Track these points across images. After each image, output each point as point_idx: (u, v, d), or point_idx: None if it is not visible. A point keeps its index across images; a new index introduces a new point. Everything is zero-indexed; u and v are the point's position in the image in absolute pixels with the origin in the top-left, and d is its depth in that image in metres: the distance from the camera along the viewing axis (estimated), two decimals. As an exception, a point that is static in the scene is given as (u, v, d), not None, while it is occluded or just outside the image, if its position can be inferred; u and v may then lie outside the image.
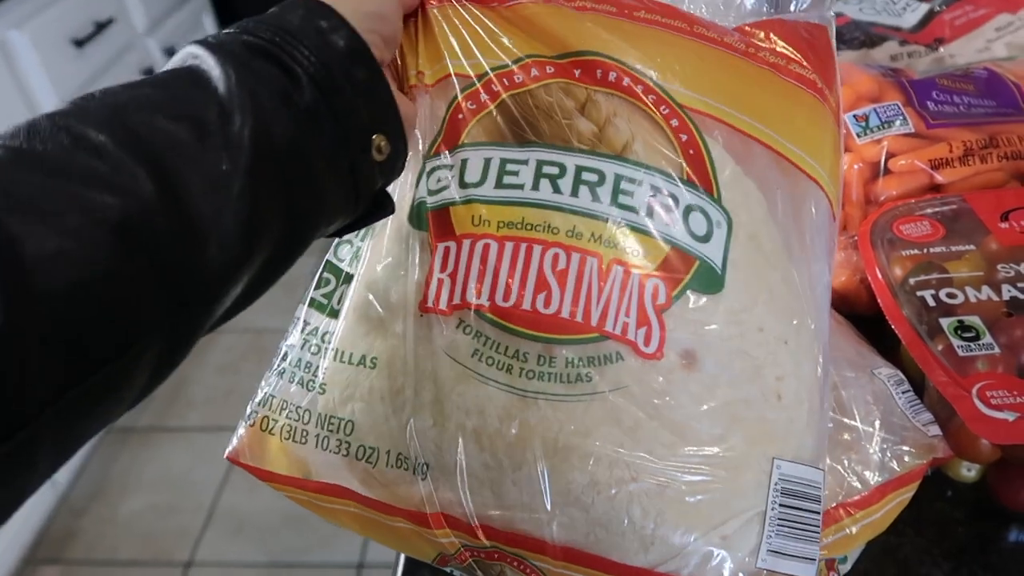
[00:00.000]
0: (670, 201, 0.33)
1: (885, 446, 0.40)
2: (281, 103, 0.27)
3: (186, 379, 1.97)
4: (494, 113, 0.35)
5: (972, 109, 0.54)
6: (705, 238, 0.33)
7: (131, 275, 0.22)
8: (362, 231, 0.38)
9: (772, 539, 0.31)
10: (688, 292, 0.32)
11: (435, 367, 0.33)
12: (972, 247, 0.46)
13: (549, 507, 0.31)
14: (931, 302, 0.43)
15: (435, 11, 0.37)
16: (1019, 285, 0.43)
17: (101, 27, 1.61)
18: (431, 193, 0.35)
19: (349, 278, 0.37)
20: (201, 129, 0.25)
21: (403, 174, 0.34)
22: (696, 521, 0.31)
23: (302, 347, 0.37)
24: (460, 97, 0.36)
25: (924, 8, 0.84)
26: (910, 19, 0.83)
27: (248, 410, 0.37)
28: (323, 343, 0.37)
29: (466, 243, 0.33)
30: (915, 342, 0.40)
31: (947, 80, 0.56)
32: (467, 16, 0.37)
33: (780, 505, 0.32)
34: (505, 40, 0.36)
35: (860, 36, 0.79)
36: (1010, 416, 0.36)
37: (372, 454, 0.34)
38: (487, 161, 0.35)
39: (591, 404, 0.31)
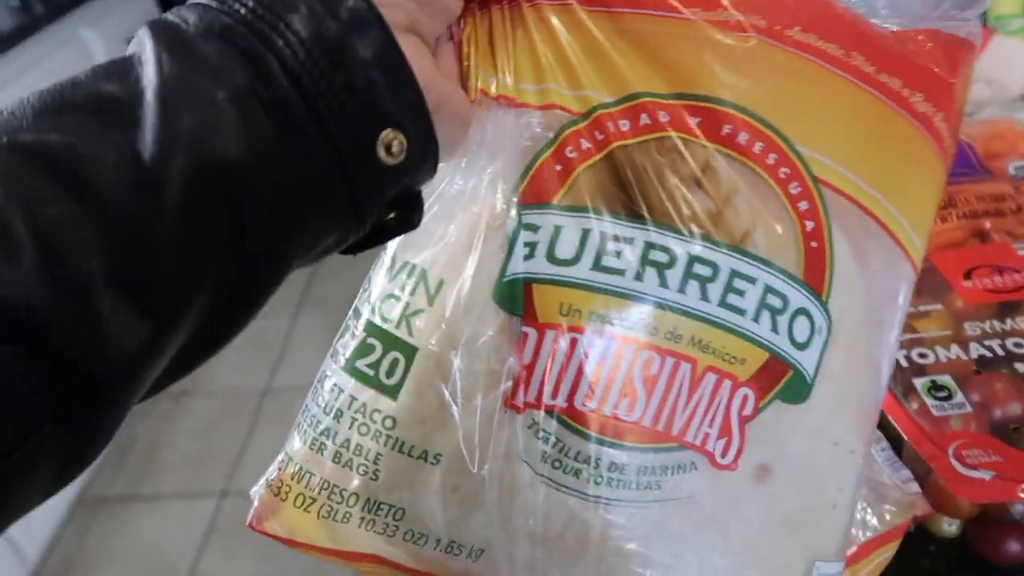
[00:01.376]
0: (779, 303, 0.30)
1: (866, 504, 0.40)
2: (231, 99, 0.21)
3: (159, 444, 1.94)
4: (599, 168, 0.30)
5: (930, 171, 0.57)
6: (805, 345, 0.30)
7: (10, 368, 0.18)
8: (411, 285, 0.31)
9: None
10: (775, 402, 0.30)
11: (503, 469, 0.29)
12: (939, 306, 0.48)
13: None
14: (904, 362, 0.45)
15: (530, 9, 0.30)
16: (985, 343, 0.45)
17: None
18: (519, 260, 0.30)
19: (404, 347, 0.30)
20: (105, 142, 0.19)
21: (495, 225, 0.28)
22: None
23: (349, 426, 0.31)
24: (560, 137, 0.30)
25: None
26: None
27: (271, 475, 0.33)
28: (373, 423, 0.31)
29: (549, 335, 0.29)
30: (891, 402, 0.42)
31: (904, 143, 0.58)
32: (573, 24, 0.30)
33: None
34: (621, 65, 0.30)
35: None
36: (986, 475, 0.38)
37: (421, 539, 0.31)
38: (585, 233, 0.29)
39: (656, 510, 0.29)
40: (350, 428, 0.31)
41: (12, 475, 0.19)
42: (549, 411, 0.29)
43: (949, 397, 0.42)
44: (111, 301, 0.19)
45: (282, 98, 0.22)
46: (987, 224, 0.55)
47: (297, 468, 0.32)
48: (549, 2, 0.30)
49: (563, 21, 0.30)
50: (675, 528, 0.29)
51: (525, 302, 0.29)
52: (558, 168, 0.30)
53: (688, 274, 0.29)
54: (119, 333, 0.19)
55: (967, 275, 0.50)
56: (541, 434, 0.29)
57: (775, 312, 0.29)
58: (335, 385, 0.32)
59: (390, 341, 0.31)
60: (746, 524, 0.30)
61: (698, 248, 0.29)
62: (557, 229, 0.29)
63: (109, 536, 1.72)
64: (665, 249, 0.29)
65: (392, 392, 0.30)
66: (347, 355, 0.32)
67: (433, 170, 0.27)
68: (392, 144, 0.24)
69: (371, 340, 0.31)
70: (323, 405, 0.32)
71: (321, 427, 0.32)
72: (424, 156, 0.26)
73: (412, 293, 0.31)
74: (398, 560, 0.32)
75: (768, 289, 0.29)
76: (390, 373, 0.31)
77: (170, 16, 0.23)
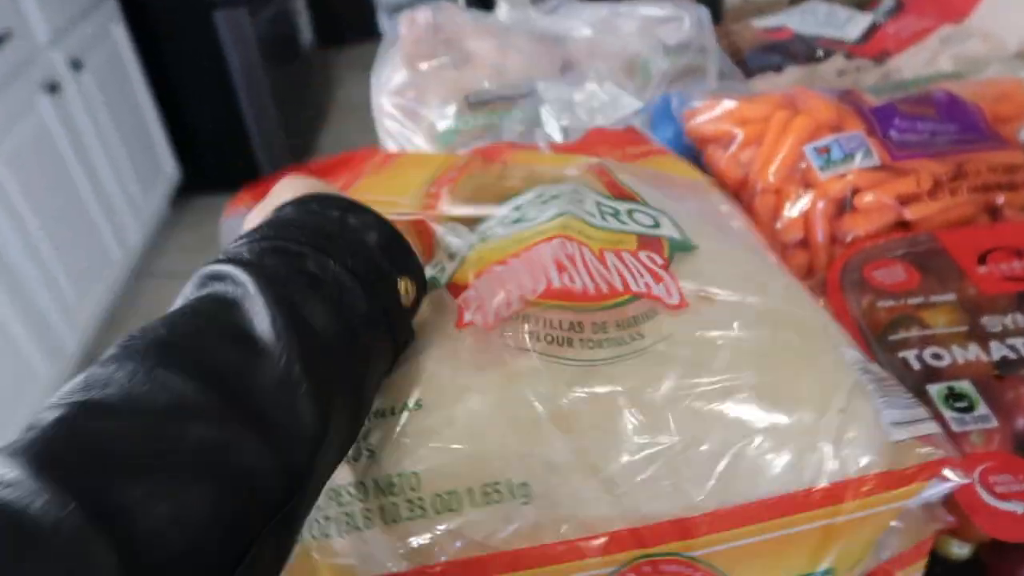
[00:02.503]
0: (610, 211, 0.39)
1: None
2: (318, 303, 0.28)
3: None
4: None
5: (936, 137, 0.51)
6: (655, 225, 0.38)
7: (235, 518, 0.22)
8: None
9: (885, 411, 0.31)
10: (675, 255, 0.36)
11: (502, 399, 0.31)
12: (951, 295, 0.42)
13: (665, 463, 0.30)
14: (915, 364, 0.39)
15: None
16: (1008, 342, 0.39)
17: (-5, 39, 1.48)
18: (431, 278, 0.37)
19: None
20: (254, 350, 0.26)
21: None
22: (806, 403, 0.31)
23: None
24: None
25: (866, 20, 0.81)
26: (853, 31, 0.80)
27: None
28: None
29: (483, 276, 0.35)
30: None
31: (908, 106, 0.52)
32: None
33: (869, 379, 0.32)
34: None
35: (804, 50, 0.76)
36: (1019, 508, 0.32)
37: (496, 487, 0.29)
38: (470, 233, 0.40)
39: (657, 357, 0.32)
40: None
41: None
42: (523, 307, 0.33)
43: (970, 408, 0.36)
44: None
45: (368, 312, 0.30)
46: (1000, 199, 0.49)
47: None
48: None
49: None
50: (681, 364, 0.31)
51: (456, 287, 0.36)
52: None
53: (539, 203, 0.40)
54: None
55: (982, 259, 0.44)
56: (528, 327, 0.32)
57: (615, 215, 0.39)
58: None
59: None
60: (736, 340, 0.33)
61: (530, 196, 0.41)
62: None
63: (53, 509, 1.64)
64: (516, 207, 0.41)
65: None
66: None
67: (421, 301, 0.35)
68: (408, 289, 0.32)
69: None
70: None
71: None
72: (421, 291, 0.34)
73: None
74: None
75: (597, 203, 0.39)
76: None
77: (240, 254, 0.30)
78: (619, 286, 0.34)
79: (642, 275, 0.35)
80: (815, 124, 0.50)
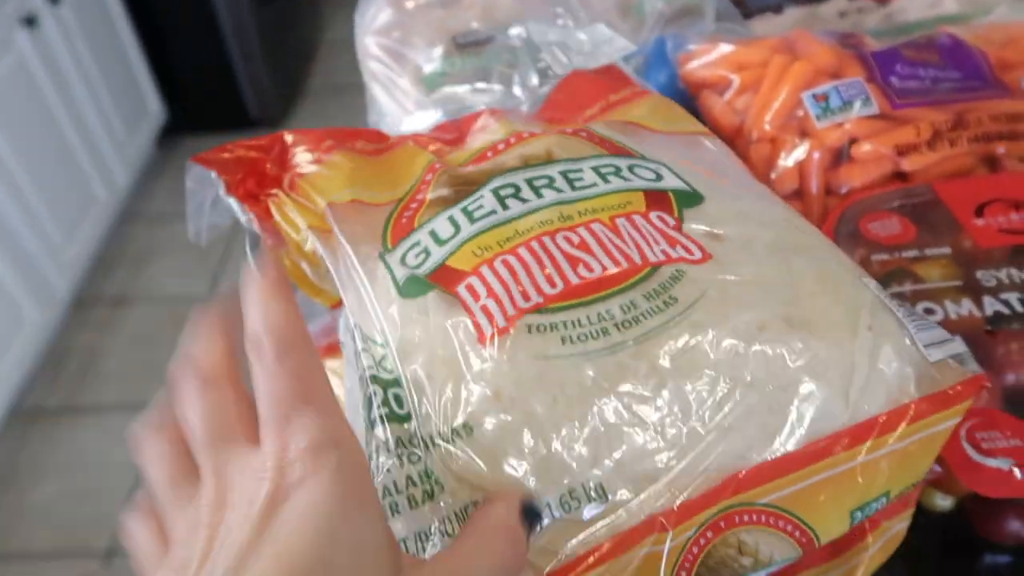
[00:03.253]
0: (611, 170, 0.37)
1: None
2: None
3: (97, 353, 1.85)
4: (431, 197, 0.37)
5: (938, 84, 0.49)
6: (658, 178, 0.37)
7: None
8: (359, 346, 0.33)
9: (917, 334, 0.32)
10: (684, 211, 0.35)
11: (538, 374, 0.30)
12: (946, 248, 0.41)
13: (724, 414, 0.29)
14: (906, 319, 0.38)
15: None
16: (1002, 296, 0.39)
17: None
18: (414, 267, 0.34)
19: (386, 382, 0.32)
20: None
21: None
22: (836, 324, 0.31)
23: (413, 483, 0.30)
24: (396, 212, 0.37)
25: (872, -43, 0.78)
26: (857, -31, 0.77)
27: None
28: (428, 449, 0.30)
29: (483, 269, 0.33)
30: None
31: (911, 51, 0.50)
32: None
33: (888, 301, 0.33)
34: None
35: (806, -11, 0.73)
36: (1005, 464, 0.32)
37: (573, 494, 0.28)
38: (451, 217, 0.35)
39: (694, 313, 0.31)
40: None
41: None
42: (535, 310, 0.31)
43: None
44: None
45: None
46: (1000, 148, 0.47)
47: None
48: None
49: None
50: (715, 313, 0.31)
51: (448, 274, 0.33)
52: (403, 220, 0.37)
53: (533, 186, 0.36)
54: None
55: (979, 211, 0.43)
56: (541, 328, 0.31)
57: (614, 172, 0.37)
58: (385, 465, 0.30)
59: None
60: (756, 270, 0.33)
61: (525, 173, 0.37)
62: (431, 232, 0.35)
63: (47, 449, 1.66)
64: (507, 184, 0.37)
65: (406, 418, 0.31)
66: (385, 430, 0.31)
67: None
68: None
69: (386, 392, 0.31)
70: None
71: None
72: None
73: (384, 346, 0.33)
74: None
75: (595, 168, 0.37)
76: (399, 402, 0.31)
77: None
78: (637, 259, 0.33)
79: (657, 242, 0.34)
80: (813, 70, 0.48)
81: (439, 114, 0.53)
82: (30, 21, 1.60)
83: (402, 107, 0.55)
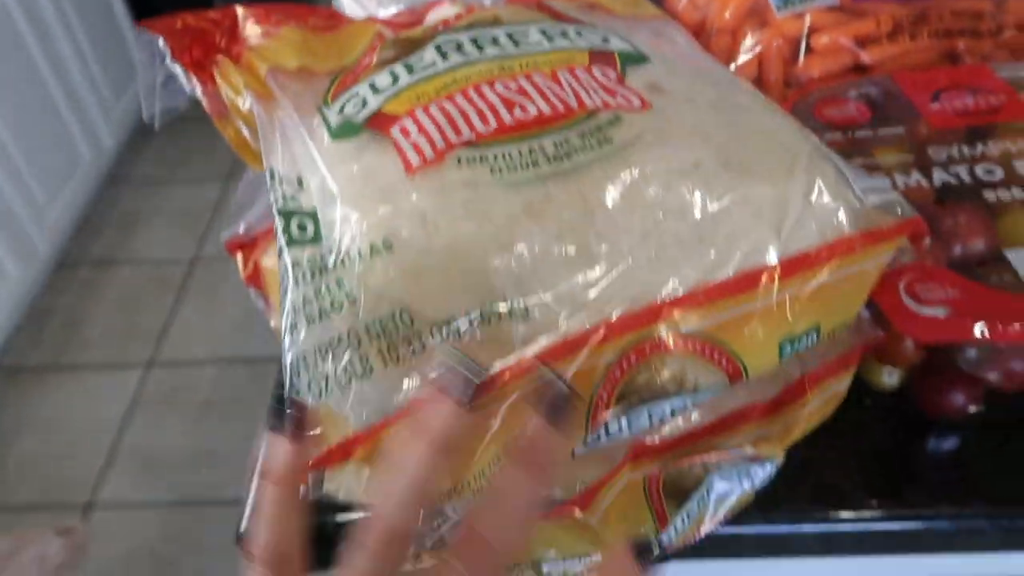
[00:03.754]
0: (558, 32, 0.38)
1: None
2: None
3: (80, 314, 1.84)
4: (376, 60, 0.37)
5: (902, -20, 0.49)
6: (605, 41, 0.37)
7: None
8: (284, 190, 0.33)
9: (853, 180, 0.32)
10: (628, 68, 0.35)
11: (467, 203, 0.30)
12: (900, 129, 0.41)
13: (651, 243, 0.29)
14: (855, 190, 0.38)
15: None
16: (951, 169, 0.38)
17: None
18: (351, 116, 0.34)
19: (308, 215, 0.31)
20: None
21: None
22: (772, 169, 0.31)
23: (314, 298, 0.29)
24: (340, 76, 0.37)
25: None
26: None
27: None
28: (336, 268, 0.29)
29: (418, 112, 0.33)
30: (837, 234, 0.35)
31: (876, -53, 0.50)
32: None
33: (830, 153, 0.33)
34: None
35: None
36: (940, 312, 0.32)
37: (449, 326, 0.28)
38: (392, 71, 0.35)
39: (628, 151, 0.31)
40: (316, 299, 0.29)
41: None
42: (466, 145, 0.31)
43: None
44: None
45: None
46: (960, 45, 0.47)
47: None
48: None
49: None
50: (653, 150, 0.31)
51: (383, 118, 0.33)
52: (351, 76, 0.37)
53: (476, 43, 0.36)
54: None
55: (935, 97, 0.42)
56: (471, 161, 0.31)
57: (564, 35, 0.37)
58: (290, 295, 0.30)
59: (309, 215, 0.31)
60: (695, 118, 0.33)
61: (469, 33, 0.37)
62: (371, 84, 0.35)
63: (27, 407, 1.65)
64: (450, 40, 0.37)
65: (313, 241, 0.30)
66: (288, 254, 0.30)
67: None
68: None
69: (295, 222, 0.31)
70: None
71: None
72: None
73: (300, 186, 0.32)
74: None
75: (541, 31, 0.37)
76: (303, 228, 0.31)
77: None
78: (574, 104, 0.33)
79: (597, 92, 0.34)
80: (775, -39, 0.48)
81: (401, 7, 0.52)
82: (13, -27, 1.59)
83: (363, 6, 0.55)
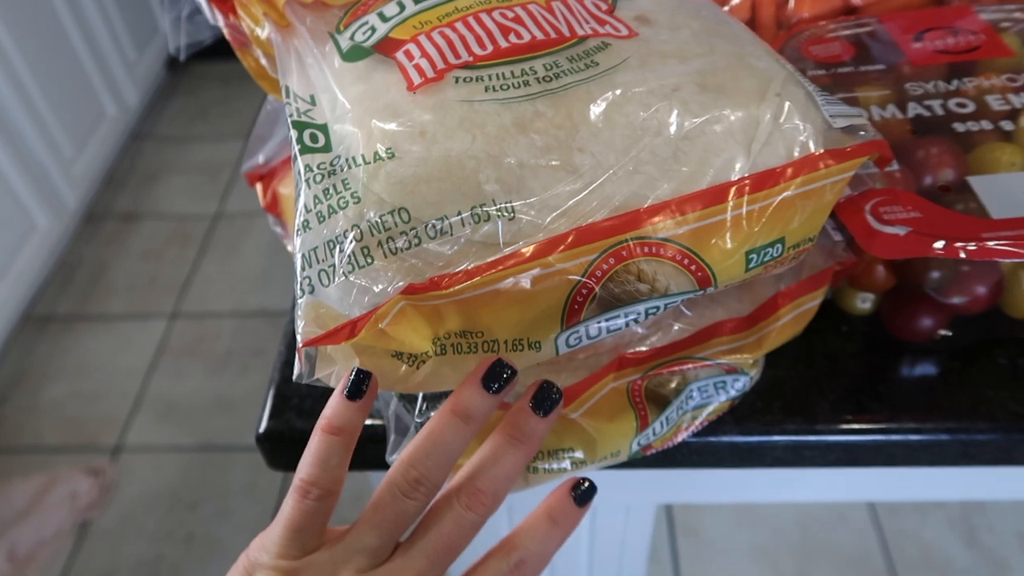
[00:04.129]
0: None
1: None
2: None
3: (106, 265, 1.89)
4: None
5: (896, -74, 0.50)
6: None
7: None
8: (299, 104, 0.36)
9: (825, 106, 0.34)
10: (619, 1, 0.38)
11: (462, 117, 0.32)
12: (881, 66, 0.43)
13: (629, 157, 0.32)
14: (833, 122, 0.40)
15: None
16: (925, 103, 0.40)
17: None
18: (360, 42, 0.36)
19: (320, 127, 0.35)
20: None
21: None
22: (745, 93, 0.33)
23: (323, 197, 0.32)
24: (353, 7, 0.39)
25: None
26: None
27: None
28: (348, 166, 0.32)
29: (420, 38, 0.35)
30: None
31: None
32: None
33: (805, 82, 0.35)
34: None
35: None
36: (901, 231, 0.34)
37: (443, 223, 0.31)
38: (399, 2, 0.38)
39: (613, 74, 0.33)
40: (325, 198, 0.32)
41: None
42: (463, 66, 0.34)
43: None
44: None
45: None
46: (951, -12, 0.49)
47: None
48: None
49: None
50: (634, 74, 0.34)
51: (389, 43, 0.36)
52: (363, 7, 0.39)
53: None
54: None
55: (918, 37, 0.44)
56: (468, 79, 0.33)
57: None
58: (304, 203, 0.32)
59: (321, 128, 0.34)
60: (677, 44, 0.35)
61: None
62: (379, 12, 0.37)
63: (56, 354, 1.71)
64: None
65: (323, 149, 0.33)
66: (301, 161, 0.33)
67: None
68: None
69: (307, 134, 0.34)
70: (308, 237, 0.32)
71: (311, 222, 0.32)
72: None
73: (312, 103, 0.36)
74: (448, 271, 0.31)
75: None
76: (315, 139, 0.34)
77: None
78: (566, 31, 0.35)
79: (588, 21, 0.36)
80: (771, -93, 0.49)
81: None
82: (40, -71, 1.61)
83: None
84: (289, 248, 0.49)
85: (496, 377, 0.30)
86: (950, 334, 0.42)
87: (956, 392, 0.41)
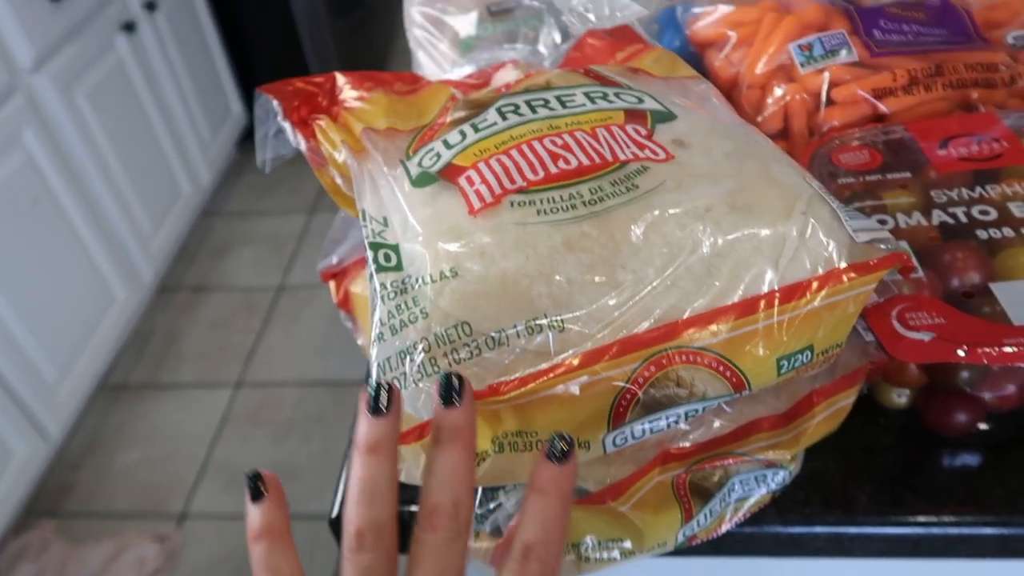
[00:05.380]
0: (599, 95, 0.44)
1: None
2: None
3: (177, 335, 1.98)
4: (450, 119, 0.44)
5: (920, 37, 0.54)
6: (640, 102, 0.43)
7: None
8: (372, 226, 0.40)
9: (849, 221, 0.37)
10: (657, 125, 0.42)
11: (517, 239, 0.36)
12: (907, 173, 0.46)
13: (667, 274, 0.35)
14: (862, 229, 0.43)
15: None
16: (950, 210, 0.43)
17: (77, -20, 1.58)
18: (427, 167, 0.41)
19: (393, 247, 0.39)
20: None
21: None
22: (773, 211, 0.36)
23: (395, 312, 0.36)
24: (420, 133, 0.44)
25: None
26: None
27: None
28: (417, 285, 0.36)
29: (480, 165, 0.39)
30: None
31: (896, 8, 0.55)
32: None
33: (829, 199, 0.38)
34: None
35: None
36: (925, 336, 0.37)
37: (500, 335, 0.34)
38: (461, 130, 0.43)
39: (651, 196, 0.37)
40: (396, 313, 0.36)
41: None
42: (518, 191, 0.38)
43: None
44: None
45: None
46: (974, 95, 0.52)
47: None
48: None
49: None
50: (671, 196, 0.37)
51: (452, 170, 0.40)
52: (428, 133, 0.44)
53: (530, 105, 0.43)
54: None
55: (943, 144, 0.47)
56: (522, 204, 0.37)
57: (604, 97, 0.44)
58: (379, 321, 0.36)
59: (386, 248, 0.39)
60: (709, 166, 0.39)
61: (524, 96, 0.44)
62: (443, 140, 0.42)
63: (129, 421, 1.79)
64: (508, 104, 0.44)
65: (396, 268, 0.38)
66: (378, 280, 0.37)
67: None
68: None
69: (381, 254, 0.38)
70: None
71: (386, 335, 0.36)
72: None
73: (384, 226, 0.40)
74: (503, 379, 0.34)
75: (586, 94, 0.44)
76: (388, 258, 0.38)
77: None
78: (609, 156, 0.39)
79: (628, 145, 0.40)
80: (801, 24, 0.53)
81: (472, 69, 0.60)
82: (129, 26, 1.76)
83: (441, 68, 0.63)
84: (359, 342, 0.54)
85: (376, 401, 0.29)
86: (987, 427, 0.43)
87: (994, 485, 0.43)
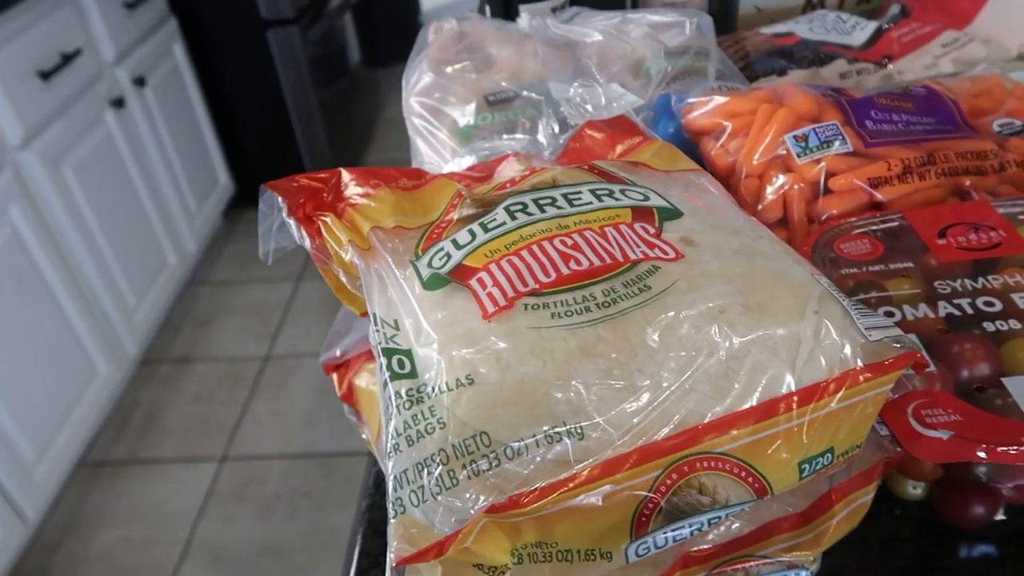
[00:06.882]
0: (605, 192, 0.45)
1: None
2: None
3: (160, 409, 1.95)
4: (457, 217, 0.45)
5: (911, 127, 0.55)
6: (646, 199, 0.44)
7: None
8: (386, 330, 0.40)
9: (860, 319, 0.37)
10: (665, 223, 0.42)
11: (532, 343, 0.36)
12: (909, 263, 0.46)
13: (685, 377, 0.35)
14: (869, 321, 0.43)
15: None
16: (955, 301, 0.43)
17: (68, 58, 1.60)
18: (437, 268, 0.41)
19: (405, 352, 0.38)
20: None
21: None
22: (786, 311, 0.37)
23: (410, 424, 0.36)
24: (428, 231, 0.45)
25: (873, 26, 0.85)
26: (859, 37, 0.85)
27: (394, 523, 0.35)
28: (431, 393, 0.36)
29: (491, 267, 0.40)
30: (854, 362, 0.40)
31: (885, 99, 0.56)
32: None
33: (840, 296, 0.38)
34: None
35: (809, 55, 0.80)
36: (944, 435, 0.36)
37: (519, 444, 0.34)
38: (470, 229, 0.43)
39: (664, 297, 0.37)
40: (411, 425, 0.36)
41: None
42: (531, 293, 0.38)
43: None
44: None
45: None
46: (967, 182, 0.53)
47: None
48: None
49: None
50: (683, 297, 0.37)
51: (463, 271, 0.40)
52: (435, 233, 0.44)
53: (538, 204, 0.44)
54: None
55: (942, 233, 0.48)
56: (535, 307, 0.37)
57: (608, 194, 0.44)
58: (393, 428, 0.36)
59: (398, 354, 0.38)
60: (718, 265, 0.39)
61: (537, 194, 0.45)
62: (452, 240, 0.42)
63: (109, 499, 1.74)
64: (516, 203, 0.44)
65: (410, 375, 0.37)
66: (392, 389, 0.37)
67: None
68: None
69: (395, 359, 0.38)
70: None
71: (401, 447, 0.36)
72: None
73: (396, 329, 0.40)
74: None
75: (592, 191, 0.45)
76: (402, 365, 0.38)
77: None
78: (619, 256, 0.39)
79: (638, 244, 0.40)
80: (795, 115, 0.55)
81: (472, 159, 0.61)
82: (118, 102, 1.77)
83: (440, 156, 0.63)
84: (363, 436, 0.53)
85: None
86: (1004, 518, 0.43)
87: (1014, 578, 0.42)
